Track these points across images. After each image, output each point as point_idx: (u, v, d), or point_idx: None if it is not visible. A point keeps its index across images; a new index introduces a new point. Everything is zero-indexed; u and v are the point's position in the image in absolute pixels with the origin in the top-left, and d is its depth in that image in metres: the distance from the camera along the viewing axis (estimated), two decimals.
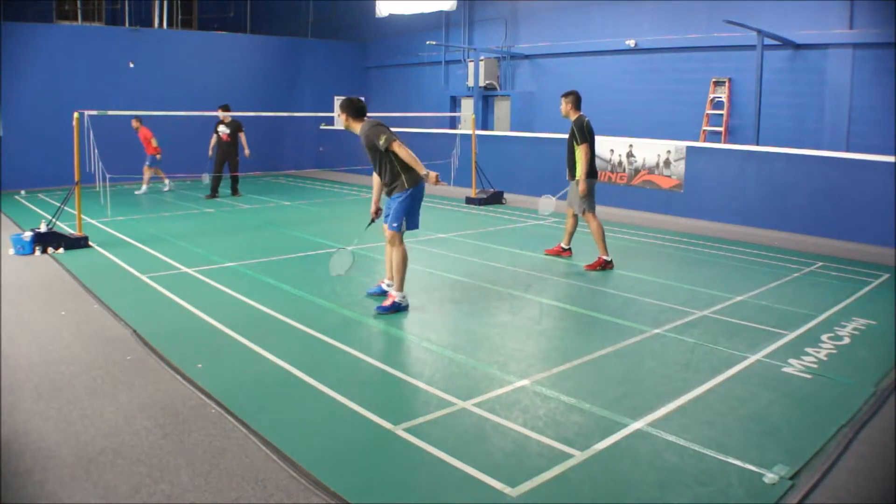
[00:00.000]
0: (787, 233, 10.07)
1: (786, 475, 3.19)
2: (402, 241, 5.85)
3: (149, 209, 11.91)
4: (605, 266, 7.55)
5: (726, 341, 5.13)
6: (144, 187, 14.00)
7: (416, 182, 5.76)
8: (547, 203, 8.06)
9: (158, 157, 13.59)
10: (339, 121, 6.12)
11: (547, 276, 7.30)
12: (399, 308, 5.81)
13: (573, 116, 7.60)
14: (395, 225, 5.78)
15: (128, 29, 16.54)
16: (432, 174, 5.59)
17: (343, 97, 6.30)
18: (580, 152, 7.48)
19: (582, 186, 7.52)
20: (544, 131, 14.39)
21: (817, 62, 11.54)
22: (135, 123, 13.46)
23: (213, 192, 13.29)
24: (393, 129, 5.67)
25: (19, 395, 4.03)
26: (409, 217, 5.82)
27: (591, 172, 7.61)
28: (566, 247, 8.11)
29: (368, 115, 5.93)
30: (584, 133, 7.48)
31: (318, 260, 7.96)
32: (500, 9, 16.63)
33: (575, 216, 7.89)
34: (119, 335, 5.15)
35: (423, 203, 5.90)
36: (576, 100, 7.63)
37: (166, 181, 14.42)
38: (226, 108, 13.20)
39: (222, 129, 13.08)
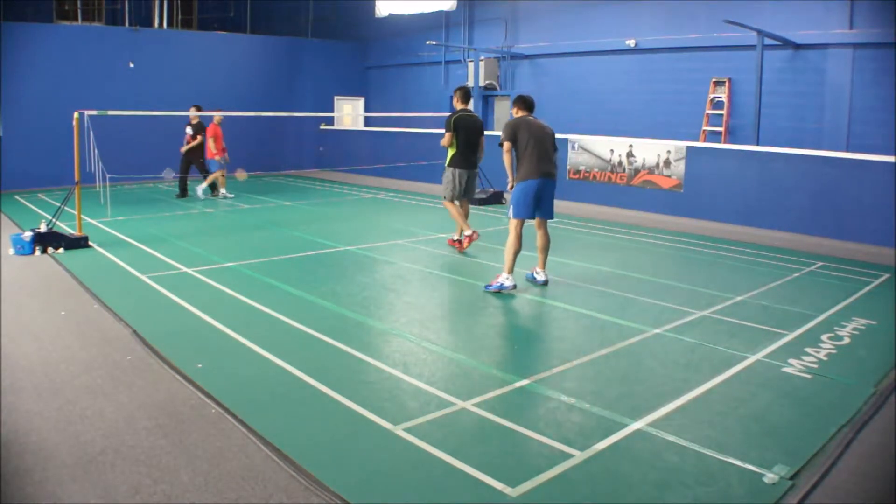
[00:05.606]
0: (787, 233, 10.07)
1: (786, 475, 3.19)
2: (513, 229, 6.49)
3: (149, 209, 11.91)
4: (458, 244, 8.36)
5: (726, 341, 5.13)
6: None
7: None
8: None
9: None
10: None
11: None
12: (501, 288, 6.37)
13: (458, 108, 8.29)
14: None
15: (128, 29, 16.52)
16: None
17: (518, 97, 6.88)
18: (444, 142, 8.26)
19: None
20: None
21: (817, 62, 11.54)
22: None
23: (183, 192, 13.18)
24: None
25: (19, 395, 4.03)
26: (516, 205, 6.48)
27: (460, 163, 8.24)
28: (457, 237, 8.47)
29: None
30: (447, 123, 8.17)
31: (318, 260, 7.96)
32: (500, 9, 16.62)
33: (460, 201, 8.47)
34: (119, 335, 5.15)
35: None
36: (463, 95, 8.28)
37: None
38: (197, 108, 12.86)
39: (188, 130, 12.86)
